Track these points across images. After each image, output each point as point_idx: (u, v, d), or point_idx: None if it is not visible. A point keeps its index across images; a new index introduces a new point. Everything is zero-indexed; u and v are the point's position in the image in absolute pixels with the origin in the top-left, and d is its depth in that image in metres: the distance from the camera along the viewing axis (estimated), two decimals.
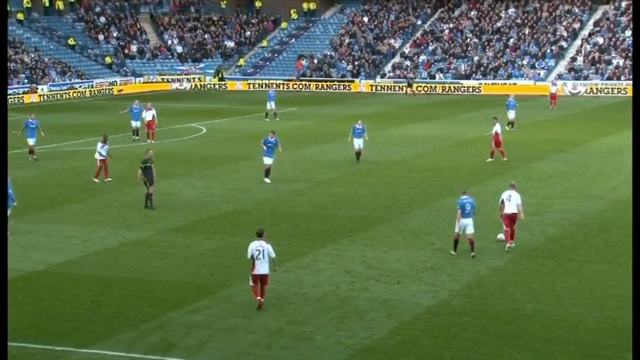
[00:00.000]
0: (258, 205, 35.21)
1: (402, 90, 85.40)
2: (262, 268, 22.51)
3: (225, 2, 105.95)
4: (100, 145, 40.78)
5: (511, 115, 56.41)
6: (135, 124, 54.15)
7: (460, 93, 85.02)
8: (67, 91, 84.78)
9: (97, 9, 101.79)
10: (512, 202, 28.36)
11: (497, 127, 44.56)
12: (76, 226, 32.11)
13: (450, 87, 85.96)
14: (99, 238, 30.16)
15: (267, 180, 39.13)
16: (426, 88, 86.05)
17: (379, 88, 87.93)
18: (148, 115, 54.01)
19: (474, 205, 27.46)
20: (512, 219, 28.31)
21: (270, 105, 63.94)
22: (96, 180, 39.96)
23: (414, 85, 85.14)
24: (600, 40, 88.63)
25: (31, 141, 47.15)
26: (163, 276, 25.93)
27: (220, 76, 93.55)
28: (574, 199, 35.87)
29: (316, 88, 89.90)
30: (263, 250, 22.42)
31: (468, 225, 27.23)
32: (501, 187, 37.97)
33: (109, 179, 40.02)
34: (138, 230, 31.25)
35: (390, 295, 23.89)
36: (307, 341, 20.60)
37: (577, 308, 22.66)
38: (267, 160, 39.36)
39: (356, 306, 22.97)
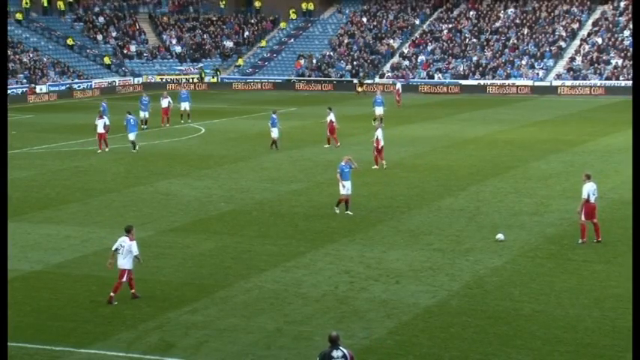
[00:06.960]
0: (257, 205, 35.21)
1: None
2: (120, 263, 23.67)
3: (224, 2, 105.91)
4: None
5: (378, 111, 59.36)
6: (143, 114, 58.39)
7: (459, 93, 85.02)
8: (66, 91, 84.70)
9: (96, 9, 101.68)
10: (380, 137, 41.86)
11: (331, 116, 49.52)
12: (75, 226, 32.10)
13: (448, 87, 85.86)
14: (98, 238, 30.15)
15: (134, 150, 48.06)
16: (425, 88, 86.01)
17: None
18: (164, 102, 59.27)
19: (350, 168, 33.33)
20: (380, 151, 42.08)
21: (184, 106, 61.98)
22: None
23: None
24: (599, 40, 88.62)
25: (131, 136, 48.97)
26: (162, 276, 25.95)
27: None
28: (573, 199, 35.74)
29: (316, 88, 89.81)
30: (124, 247, 23.67)
31: (348, 187, 32.90)
32: (500, 186, 38.19)
33: None
34: (136, 230, 31.15)
35: (388, 295, 23.89)
36: (306, 341, 20.59)
37: (576, 308, 22.65)
38: (130, 136, 48.46)
39: (355, 306, 22.97)
